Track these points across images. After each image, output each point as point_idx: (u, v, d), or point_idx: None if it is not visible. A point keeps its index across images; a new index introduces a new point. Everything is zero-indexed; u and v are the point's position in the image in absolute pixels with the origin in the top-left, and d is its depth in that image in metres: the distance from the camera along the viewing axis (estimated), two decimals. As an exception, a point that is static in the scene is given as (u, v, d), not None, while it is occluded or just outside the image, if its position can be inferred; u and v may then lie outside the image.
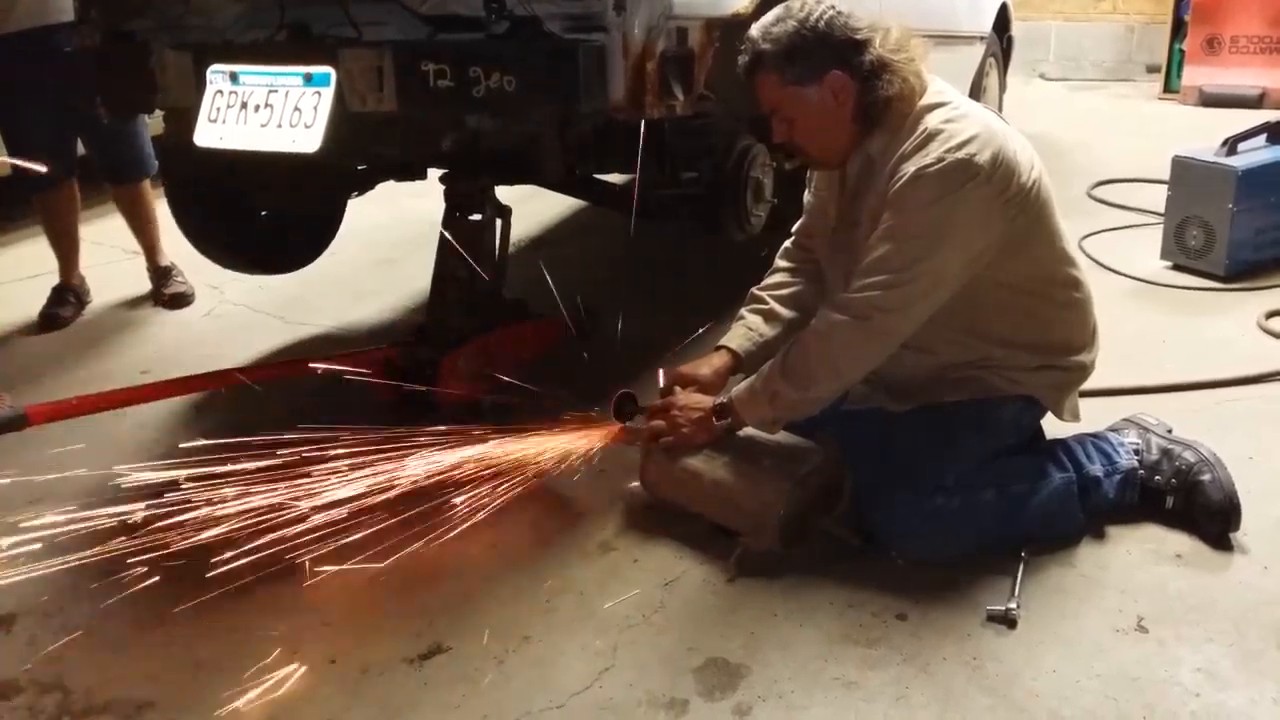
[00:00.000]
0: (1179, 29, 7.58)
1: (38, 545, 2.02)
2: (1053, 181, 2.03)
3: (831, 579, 1.96)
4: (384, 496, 2.03)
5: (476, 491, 2.11)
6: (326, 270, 3.64)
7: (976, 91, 4.98)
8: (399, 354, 2.56)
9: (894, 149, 1.92)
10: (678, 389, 2.19)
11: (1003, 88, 5.70)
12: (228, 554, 1.88)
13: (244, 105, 2.24)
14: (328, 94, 2.15)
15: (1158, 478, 2.11)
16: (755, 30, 1.96)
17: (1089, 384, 2.18)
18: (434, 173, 2.82)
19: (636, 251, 3.50)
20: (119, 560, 1.91)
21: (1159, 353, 2.96)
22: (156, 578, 1.87)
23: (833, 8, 1.94)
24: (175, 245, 3.55)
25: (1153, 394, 2.64)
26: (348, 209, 3.57)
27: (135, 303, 3.66)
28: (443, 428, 2.16)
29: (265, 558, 1.88)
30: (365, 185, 3.17)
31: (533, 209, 4.25)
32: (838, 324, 1.96)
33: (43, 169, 3.36)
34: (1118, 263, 3.70)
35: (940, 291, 1.92)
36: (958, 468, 2.02)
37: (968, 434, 2.06)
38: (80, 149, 3.51)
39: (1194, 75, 7.31)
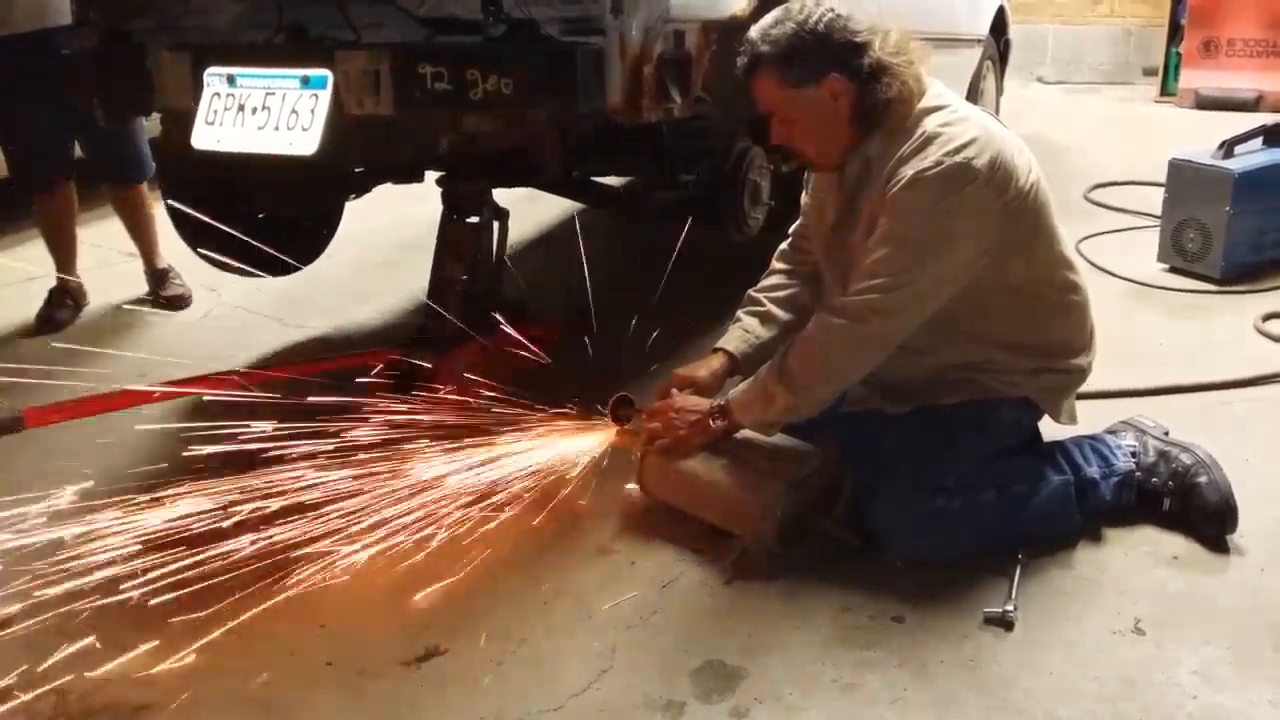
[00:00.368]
0: (1176, 32, 7.59)
1: (34, 546, 2.03)
2: (1050, 184, 2.03)
3: (829, 581, 1.96)
4: (381, 498, 2.04)
5: (474, 494, 2.11)
6: (325, 272, 3.64)
7: (974, 94, 4.98)
8: (397, 357, 2.56)
9: (892, 152, 1.92)
10: (675, 391, 2.19)
11: (1000, 91, 5.70)
12: (223, 557, 1.89)
13: (241, 108, 2.24)
14: (325, 96, 2.15)
15: (1155, 480, 2.11)
16: (754, 32, 1.96)
17: (1086, 386, 2.18)
18: (432, 175, 2.82)
19: (633, 254, 3.50)
20: (116, 563, 1.92)
21: (1156, 355, 2.97)
22: (154, 581, 1.87)
23: (832, 10, 1.94)
24: (172, 248, 3.55)
25: (1149, 396, 2.64)
26: (346, 211, 3.56)
27: (132, 305, 3.65)
28: (441, 423, 2.16)
29: (262, 561, 1.89)
30: (363, 187, 3.17)
31: (530, 211, 4.24)
32: (835, 327, 1.96)
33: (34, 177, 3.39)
34: (1115, 265, 3.71)
35: (937, 295, 1.92)
36: (957, 469, 2.02)
37: (967, 435, 2.06)
38: (78, 151, 3.50)
39: (1191, 78, 7.32)
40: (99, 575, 1.92)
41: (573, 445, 2.23)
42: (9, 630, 1.91)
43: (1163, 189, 3.75)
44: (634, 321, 2.61)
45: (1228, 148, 3.61)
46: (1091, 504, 2.09)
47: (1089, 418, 2.24)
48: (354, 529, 1.98)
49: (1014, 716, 1.64)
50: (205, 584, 1.86)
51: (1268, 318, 3.18)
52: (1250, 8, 7.15)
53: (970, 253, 1.91)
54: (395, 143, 2.32)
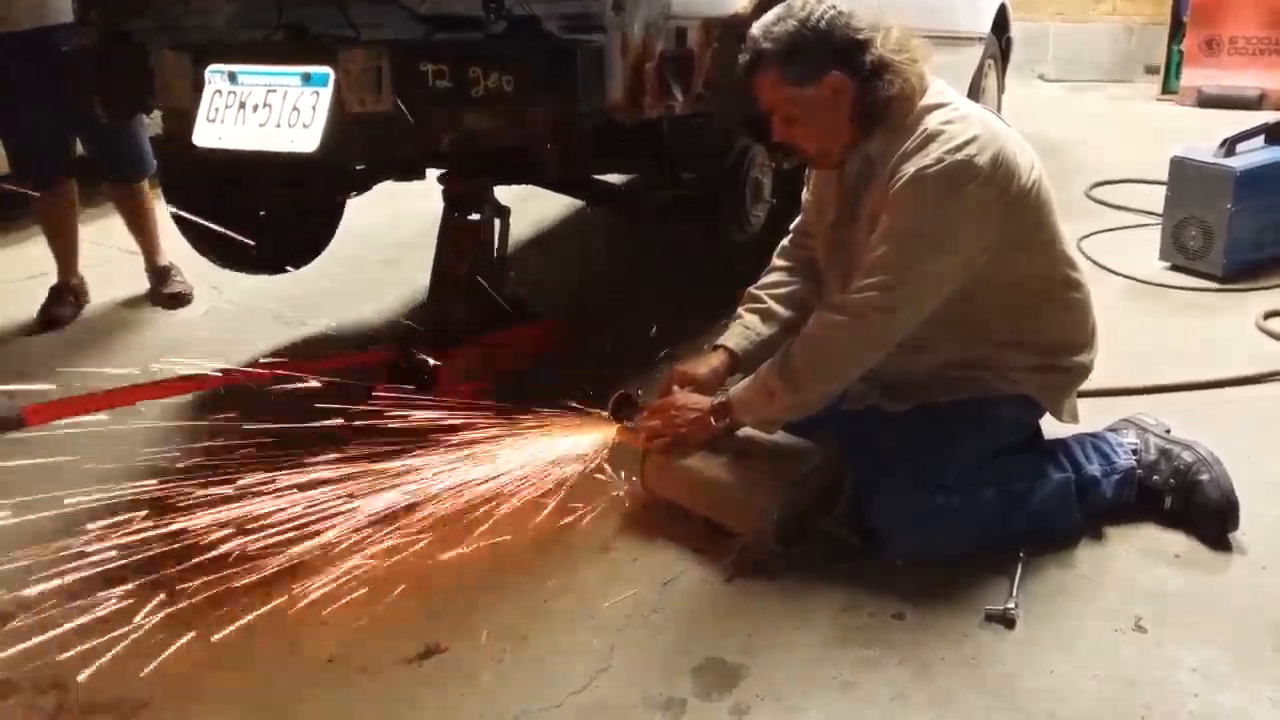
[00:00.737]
0: (1178, 30, 7.58)
1: (36, 541, 2.03)
2: (1051, 182, 2.03)
3: (829, 579, 1.96)
4: (385, 498, 2.04)
5: (475, 492, 2.12)
6: (326, 270, 3.64)
7: (975, 92, 4.98)
8: (398, 355, 2.56)
9: (894, 149, 1.92)
10: (675, 388, 2.19)
11: (1001, 88, 5.70)
12: (223, 556, 1.89)
13: (243, 105, 2.24)
14: (326, 94, 2.15)
15: (1156, 478, 2.11)
16: (756, 29, 1.96)
17: (1087, 384, 2.18)
18: (433, 172, 2.82)
19: (634, 251, 3.51)
20: (117, 560, 1.92)
21: (1157, 353, 2.96)
22: (154, 578, 1.87)
23: (834, 7, 1.93)
24: (174, 245, 3.55)
25: (1151, 394, 2.64)
26: (347, 208, 3.56)
27: (134, 302, 3.66)
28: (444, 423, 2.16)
29: (262, 559, 1.89)
30: (364, 185, 3.17)
31: (531, 209, 4.24)
32: (836, 324, 1.96)
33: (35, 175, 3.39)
34: (1116, 263, 3.70)
35: (938, 292, 1.92)
36: (957, 467, 2.02)
37: (967, 433, 2.06)
38: (79, 149, 3.50)
39: (1193, 76, 7.31)
40: (102, 571, 1.93)
41: (574, 443, 2.23)
42: (11, 625, 1.91)
43: (1164, 187, 3.74)
44: (633, 319, 2.61)
45: (1229, 146, 3.61)
46: (1093, 502, 2.09)
47: (1090, 416, 2.24)
48: (353, 526, 1.99)
49: (1015, 715, 1.63)
50: (208, 580, 1.87)
51: (1269, 315, 3.18)
52: (1252, 6, 7.14)
53: (971, 250, 1.91)
54: (396, 140, 2.32)
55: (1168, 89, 7.56)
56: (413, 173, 2.89)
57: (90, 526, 2.02)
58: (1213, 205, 3.53)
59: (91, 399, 2.25)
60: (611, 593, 1.95)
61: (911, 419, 2.09)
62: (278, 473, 2.04)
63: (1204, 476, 2.06)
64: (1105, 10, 8.57)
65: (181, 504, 1.98)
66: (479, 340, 2.57)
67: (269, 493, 2.02)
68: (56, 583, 1.97)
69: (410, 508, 2.06)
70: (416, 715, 1.68)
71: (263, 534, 1.93)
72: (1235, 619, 1.83)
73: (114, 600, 1.86)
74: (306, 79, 2.18)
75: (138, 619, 1.82)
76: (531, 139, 2.24)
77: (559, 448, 2.23)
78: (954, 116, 1.92)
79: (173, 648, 1.78)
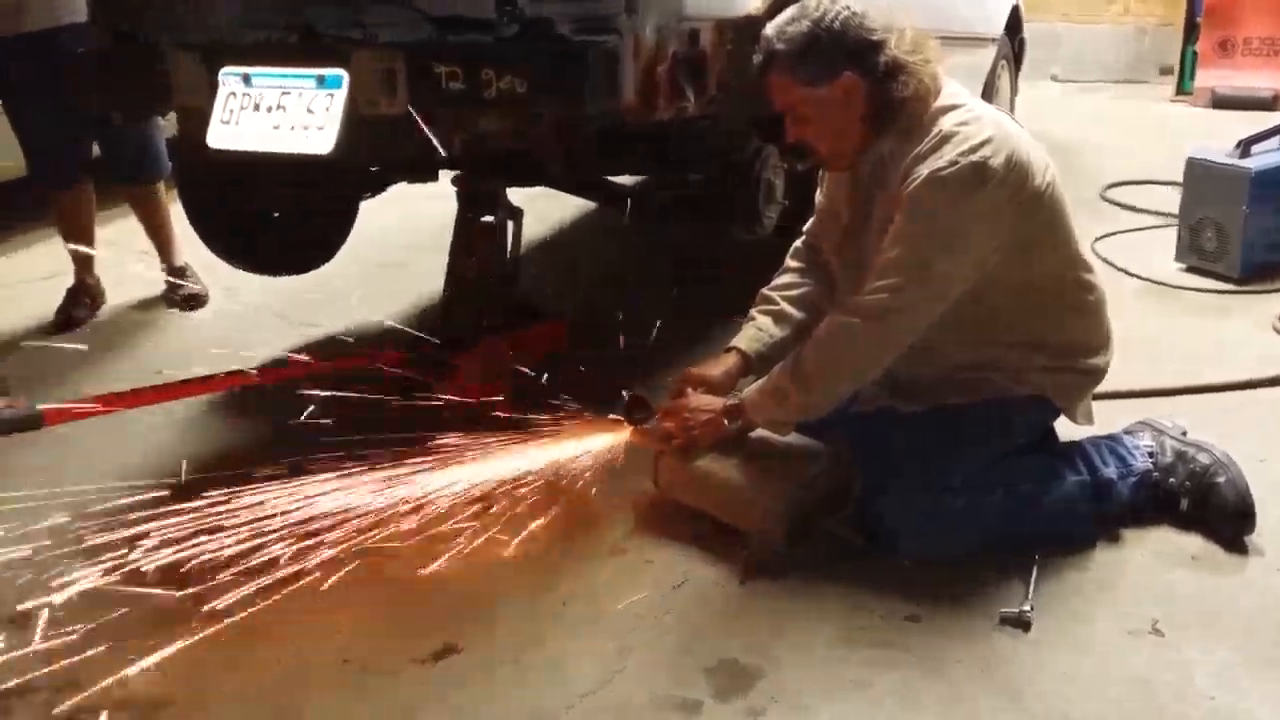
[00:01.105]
0: (1192, 30, 7.55)
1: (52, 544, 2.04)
2: (1065, 183, 2.02)
3: (843, 580, 1.96)
4: (399, 501, 2.05)
5: (489, 493, 2.12)
6: (339, 271, 3.65)
7: (988, 93, 4.96)
8: (410, 356, 2.56)
9: (907, 150, 1.92)
10: (688, 390, 2.19)
11: (1014, 90, 5.67)
12: (242, 557, 1.90)
13: (257, 107, 2.25)
14: (340, 96, 2.16)
15: (1172, 480, 2.10)
16: (770, 30, 1.96)
17: (1103, 386, 2.17)
18: (446, 174, 2.83)
19: (646, 252, 3.51)
20: (134, 560, 1.93)
21: (1173, 355, 2.95)
22: (174, 579, 1.88)
23: (848, 8, 1.93)
24: (189, 246, 3.56)
25: (1167, 396, 2.63)
26: (360, 210, 3.57)
27: (149, 303, 3.67)
28: (455, 432, 2.17)
29: (279, 560, 1.89)
30: (378, 187, 3.18)
31: (544, 209, 4.24)
32: (849, 326, 1.96)
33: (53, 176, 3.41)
34: (1132, 265, 3.69)
35: (951, 293, 1.92)
36: (966, 468, 2.02)
37: (978, 434, 2.06)
38: (95, 150, 3.52)
39: (1207, 77, 7.28)
40: (119, 571, 1.94)
41: (587, 445, 2.23)
42: (28, 625, 1.92)
43: (1179, 188, 3.73)
44: (645, 320, 2.61)
45: (1245, 147, 3.59)
46: (1108, 504, 2.08)
47: (1106, 418, 2.23)
48: (368, 527, 1.99)
49: (1028, 717, 1.63)
50: (224, 580, 1.87)
51: (1286, 317, 3.17)
52: (1266, 7, 7.11)
53: (984, 251, 1.91)
54: (410, 141, 2.32)
55: (1182, 90, 7.53)
56: (426, 174, 2.89)
57: (107, 525, 2.04)
58: (1228, 206, 3.52)
59: (109, 399, 2.25)
60: (625, 594, 1.95)
61: (923, 420, 2.09)
62: (290, 476, 2.05)
63: (1220, 478, 2.05)
64: (1118, 11, 8.54)
65: (201, 504, 1.98)
66: (492, 341, 2.57)
67: (284, 494, 2.03)
68: (76, 583, 1.99)
69: (422, 509, 2.06)
70: (431, 716, 1.68)
71: (277, 535, 1.93)
72: (1251, 622, 1.83)
73: (132, 599, 1.87)
74: (321, 81, 2.18)
75: (155, 617, 1.84)
76: (544, 140, 2.24)
77: (572, 449, 2.23)
78: (968, 118, 1.91)
79: (188, 647, 1.79)
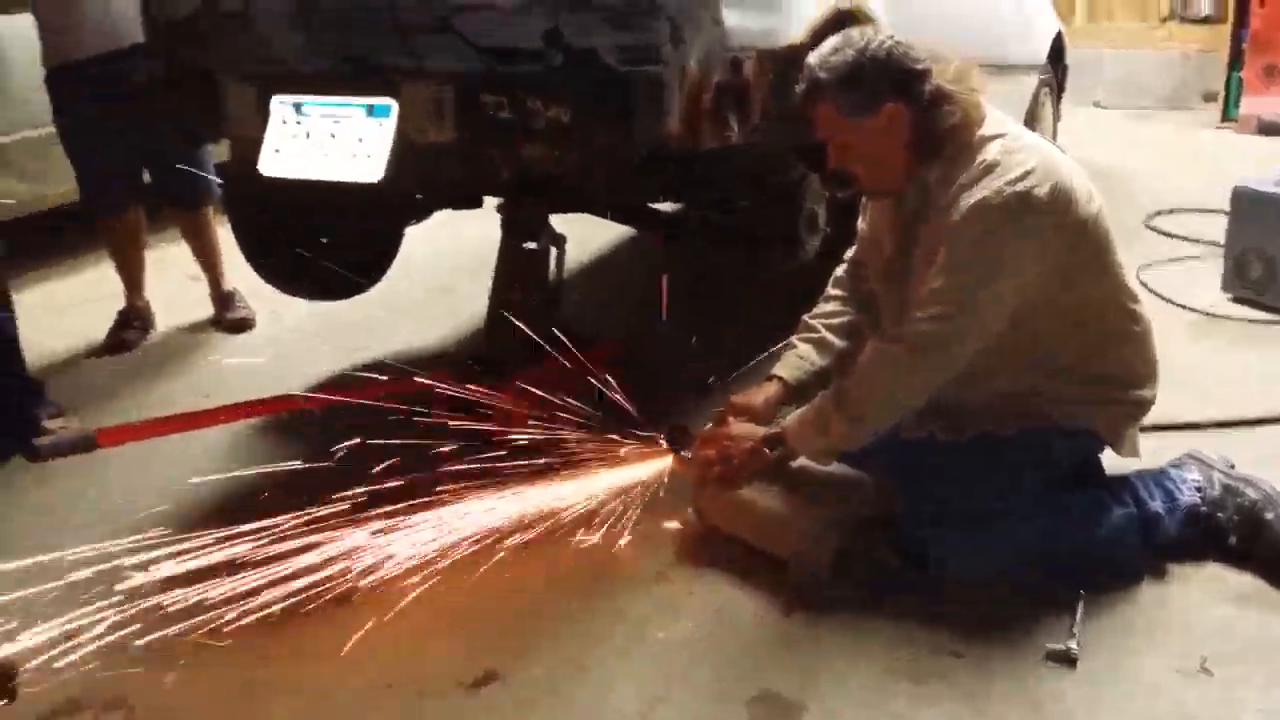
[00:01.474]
0: (1237, 57, 7.47)
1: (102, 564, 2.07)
2: (1109, 211, 2.01)
3: (887, 613, 1.94)
4: (444, 527, 2.06)
5: (531, 520, 2.13)
6: (384, 297, 3.69)
7: (1030, 120, 4.94)
8: (455, 380, 2.58)
9: (952, 179, 1.92)
10: (730, 419, 2.19)
11: (1057, 116, 5.64)
12: (286, 579, 1.92)
13: (308, 135, 2.29)
14: (389, 125, 2.19)
15: (1220, 515, 2.07)
16: (814, 59, 1.97)
17: (1149, 418, 2.15)
18: (490, 200, 2.86)
19: (686, 279, 3.51)
20: (181, 582, 1.95)
21: (1220, 387, 2.91)
22: (218, 600, 1.91)
23: (891, 38, 1.94)
24: (237, 270, 3.62)
25: (1214, 429, 2.59)
26: (405, 236, 3.61)
27: (198, 327, 3.73)
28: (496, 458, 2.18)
29: (324, 583, 1.91)
30: (423, 213, 3.22)
31: (586, 235, 4.27)
32: (892, 355, 1.96)
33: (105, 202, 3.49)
34: (1177, 294, 3.65)
35: (996, 323, 1.91)
36: (1010, 498, 2.00)
37: (1022, 464, 2.04)
38: (146, 176, 3.59)
39: (1253, 104, 7.19)
40: (166, 592, 1.97)
41: (629, 472, 2.24)
42: (78, 641, 1.95)
43: (1225, 216, 3.69)
44: (688, 349, 2.62)
45: (1293, 175, 3.54)
46: (1155, 539, 2.05)
47: (1152, 450, 2.20)
48: (415, 552, 2.01)
49: (1076, 755, 1.61)
50: (272, 602, 1.89)
51: (1336, 349, 3.11)
52: (1314, 33, 7.01)
53: (1029, 281, 1.90)
54: (458, 170, 2.35)
55: (1227, 116, 7.44)
56: (471, 201, 2.93)
57: (161, 546, 2.06)
58: (1276, 235, 3.47)
59: (162, 422, 2.30)
60: (667, 623, 1.95)
61: (966, 448, 2.07)
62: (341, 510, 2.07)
63: (1269, 514, 2.02)
64: (1162, 37, 8.47)
65: (251, 526, 2.00)
66: (535, 369, 2.58)
67: (331, 518, 2.05)
68: (120, 602, 2.02)
69: (469, 535, 2.08)
70: (473, 742, 1.70)
71: (328, 558, 1.95)
72: (1304, 660, 1.79)
73: (178, 621, 1.89)
74: (371, 110, 2.22)
75: (199, 641, 1.86)
76: (589, 169, 2.26)
77: (614, 477, 2.23)
78: (1013, 147, 1.91)
79: (237, 666, 1.81)
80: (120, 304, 3.66)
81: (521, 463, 2.19)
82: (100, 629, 1.96)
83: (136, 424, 2.26)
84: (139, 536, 2.27)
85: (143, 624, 1.91)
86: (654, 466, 2.25)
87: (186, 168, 3.51)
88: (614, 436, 2.27)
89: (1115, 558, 2.02)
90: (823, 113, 1.98)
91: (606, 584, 2.08)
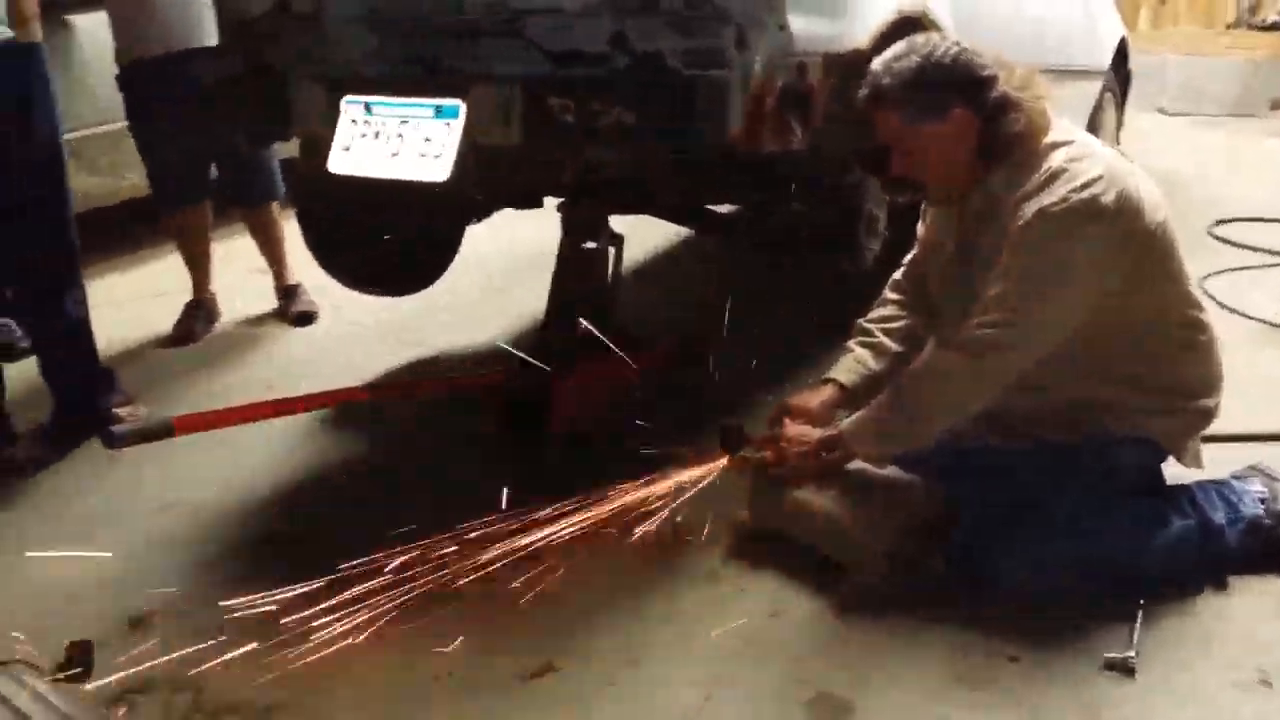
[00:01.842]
0: (1307, 64, 7.33)
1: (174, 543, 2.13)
2: (1172, 219, 1.99)
3: (942, 618, 1.94)
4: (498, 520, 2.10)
5: (587, 518, 2.15)
6: (444, 294, 3.73)
7: (1093, 126, 4.89)
8: (511, 378, 2.62)
9: (1017, 186, 1.91)
10: (786, 420, 2.21)
11: (1120, 123, 5.58)
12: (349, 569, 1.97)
13: (377, 135, 2.33)
14: (457, 126, 2.23)
15: (1284, 528, 2.05)
16: (878, 64, 1.98)
17: (1212, 429, 2.12)
18: (549, 200, 2.89)
19: (743, 281, 3.52)
20: (250, 568, 2.01)
21: (1285, 398, 2.87)
22: (291, 588, 1.95)
23: (957, 44, 1.95)
24: (301, 265, 3.69)
25: (1278, 441, 2.55)
26: (465, 234, 3.66)
27: (262, 319, 3.80)
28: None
29: (387, 579, 1.95)
30: (484, 212, 3.26)
31: (641, 235, 4.29)
32: (952, 360, 1.96)
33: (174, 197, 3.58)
34: (1242, 304, 3.59)
35: (1058, 332, 1.91)
36: (1071, 508, 1.99)
37: (1083, 474, 2.03)
38: (213, 171, 3.67)
39: (1321, 111, 7.05)
40: (240, 577, 2.02)
41: (683, 472, 2.25)
42: (150, 625, 2.01)
43: (1292, 226, 3.63)
44: (744, 350, 2.63)
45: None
46: (1217, 550, 2.03)
47: (1215, 461, 2.18)
48: (472, 551, 2.04)
49: (1133, 765, 1.61)
50: (329, 597, 1.93)
51: (1405, 362, 3.05)
52: (1385, 38, 6.86)
53: (1093, 290, 1.89)
54: (523, 171, 2.39)
55: (1295, 124, 7.31)
56: (533, 201, 2.97)
57: (229, 529, 2.11)
58: (1345, 246, 3.41)
59: (236, 411, 2.35)
60: (720, 621, 1.97)
61: (1026, 458, 2.07)
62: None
63: (1334, 528, 1.99)
64: (1227, 44, 8.34)
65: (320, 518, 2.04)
66: (591, 367, 2.62)
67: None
68: (190, 587, 2.07)
69: (525, 531, 2.10)
70: (531, 733, 1.72)
71: (396, 550, 1.99)
72: (1366, 677, 1.77)
73: (245, 607, 1.94)
74: (438, 111, 2.26)
75: (266, 628, 1.90)
76: (652, 171, 2.28)
77: (668, 476, 2.25)
78: (1079, 154, 1.91)
79: (298, 656, 1.85)
80: (187, 296, 3.75)
81: (575, 462, 2.21)
82: (171, 613, 2.03)
83: (210, 412, 2.31)
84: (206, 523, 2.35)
85: (212, 606, 1.96)
86: (708, 467, 2.26)
87: (253, 165, 3.60)
88: (668, 436, 2.30)
89: (1175, 568, 2.01)
90: (887, 118, 1.99)
91: (660, 582, 2.10)
